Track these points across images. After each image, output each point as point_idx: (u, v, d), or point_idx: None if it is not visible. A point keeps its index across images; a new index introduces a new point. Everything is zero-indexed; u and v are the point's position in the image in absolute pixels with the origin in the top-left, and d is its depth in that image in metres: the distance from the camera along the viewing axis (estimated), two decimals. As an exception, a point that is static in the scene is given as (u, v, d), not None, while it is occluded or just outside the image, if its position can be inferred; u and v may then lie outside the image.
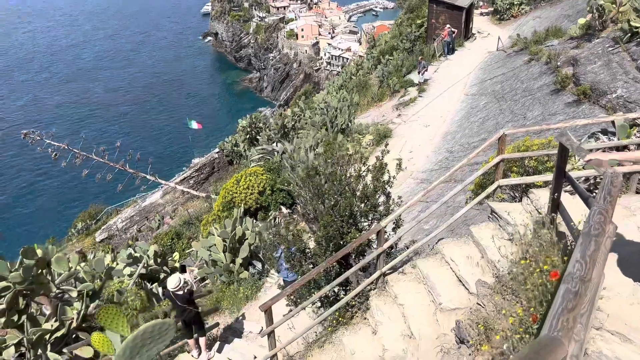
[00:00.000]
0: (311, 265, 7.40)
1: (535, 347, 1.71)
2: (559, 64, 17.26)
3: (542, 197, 6.87)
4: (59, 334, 8.38)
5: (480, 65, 24.23)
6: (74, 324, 8.63)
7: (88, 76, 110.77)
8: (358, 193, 7.53)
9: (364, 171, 7.85)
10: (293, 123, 23.88)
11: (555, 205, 5.40)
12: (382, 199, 8.27)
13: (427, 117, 20.19)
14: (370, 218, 8.18)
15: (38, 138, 21.47)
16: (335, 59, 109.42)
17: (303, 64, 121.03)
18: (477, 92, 20.74)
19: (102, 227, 28.53)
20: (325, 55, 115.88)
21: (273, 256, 8.93)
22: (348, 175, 7.83)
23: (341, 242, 7.56)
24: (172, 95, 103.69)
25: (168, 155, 71.21)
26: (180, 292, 7.48)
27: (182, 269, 8.32)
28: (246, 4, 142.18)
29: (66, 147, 21.67)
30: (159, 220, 27.13)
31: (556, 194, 5.24)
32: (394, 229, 8.32)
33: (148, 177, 24.49)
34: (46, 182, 66.29)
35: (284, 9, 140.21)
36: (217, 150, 30.61)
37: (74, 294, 8.86)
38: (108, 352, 2.84)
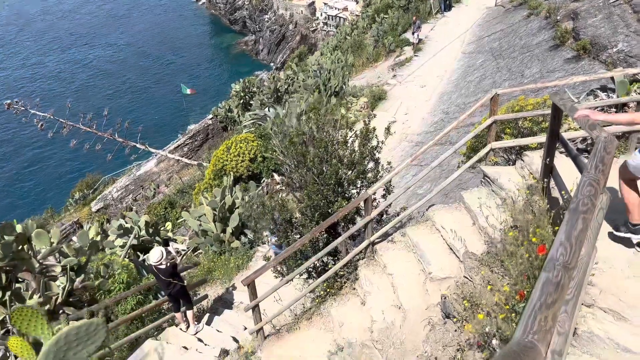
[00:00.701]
0: (298, 236, 7.15)
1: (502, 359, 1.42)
2: (558, 18, 16.58)
3: (536, 160, 6.53)
4: (44, 309, 8.23)
5: (478, 22, 23.43)
6: (60, 300, 8.47)
7: (75, 42, 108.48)
8: (345, 160, 7.19)
9: (350, 137, 7.49)
10: (286, 87, 23.30)
11: (548, 170, 5.08)
12: (370, 165, 7.96)
13: (423, 77, 19.62)
14: (359, 185, 7.89)
15: (22, 108, 20.91)
16: (332, 19, 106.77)
17: (299, 25, 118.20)
18: (474, 50, 20.08)
19: (98, 197, 28.35)
20: (321, 15, 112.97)
21: (262, 227, 8.66)
22: (335, 141, 7.47)
23: (329, 212, 7.28)
24: (165, 61, 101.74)
25: (162, 122, 70.38)
26: (163, 266, 7.26)
27: (165, 243, 8.08)
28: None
29: (52, 116, 21.16)
30: (154, 189, 26.91)
31: (548, 158, 4.91)
32: (384, 196, 8.04)
33: (138, 145, 24.07)
34: (41, 152, 65.78)
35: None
36: (210, 116, 30.09)
37: (58, 269, 8.66)
38: (29, 358, 2.54)
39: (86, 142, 23.18)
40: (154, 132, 67.18)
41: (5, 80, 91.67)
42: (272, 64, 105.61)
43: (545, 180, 4.97)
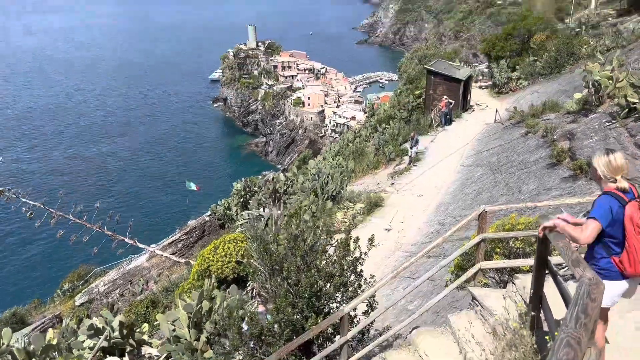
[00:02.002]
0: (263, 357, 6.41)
1: None
2: (555, 137, 16.78)
3: (528, 284, 5.99)
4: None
5: (478, 137, 23.91)
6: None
7: (85, 138, 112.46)
8: (322, 272, 6.66)
9: (330, 245, 7.02)
10: (285, 188, 23.25)
11: (538, 300, 4.53)
12: (353, 277, 7.40)
13: (421, 187, 19.54)
14: (339, 299, 7.28)
15: (14, 196, 20.88)
16: (340, 127, 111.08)
17: (308, 130, 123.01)
18: (473, 163, 20.21)
19: (84, 290, 27.31)
20: (330, 122, 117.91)
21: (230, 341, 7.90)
22: (314, 249, 7.00)
23: (303, 328, 6.61)
24: (175, 157, 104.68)
25: (164, 216, 70.57)
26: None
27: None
28: (256, 72, 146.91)
29: (42, 206, 21.02)
30: (142, 284, 25.96)
31: (536, 287, 4.39)
32: (366, 312, 7.38)
33: (126, 240, 23.57)
34: (38, 239, 65.20)
35: (292, 77, 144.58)
36: (208, 213, 29.90)
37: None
38: None
39: (73, 234, 22.77)
40: (152, 225, 67.14)
41: (5, 167, 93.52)
42: (279, 165, 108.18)
43: (534, 313, 4.40)
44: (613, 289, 3.77)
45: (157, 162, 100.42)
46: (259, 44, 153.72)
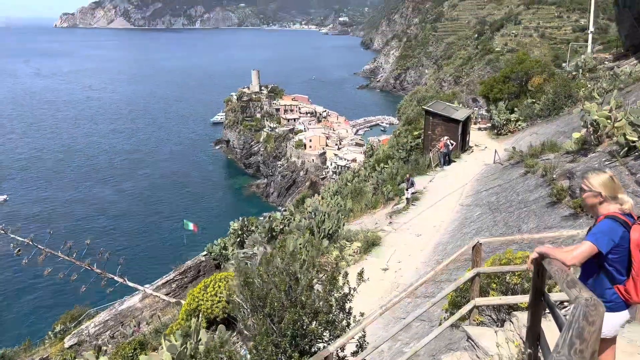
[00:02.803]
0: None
1: None
2: (554, 176, 16.54)
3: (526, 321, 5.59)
4: None
5: (477, 177, 23.70)
6: None
7: (91, 177, 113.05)
8: (306, 308, 6.25)
9: (317, 281, 6.64)
10: (282, 227, 22.88)
11: (535, 337, 4.14)
12: (341, 315, 6.97)
13: (419, 226, 19.17)
14: (326, 339, 6.82)
15: (2, 232, 20.49)
16: (341, 169, 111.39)
17: (310, 172, 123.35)
18: (472, 202, 19.90)
19: (73, 332, 26.46)
20: (331, 164, 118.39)
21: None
22: (299, 285, 6.61)
23: (286, 369, 6.14)
24: (178, 197, 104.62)
25: (160, 256, 69.65)
26: None
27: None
28: (258, 115, 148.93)
29: (30, 242, 20.62)
30: (133, 326, 25.14)
31: (533, 323, 4.01)
32: (354, 353, 6.91)
33: (116, 278, 22.98)
34: (30, 277, 64.04)
35: (294, 120, 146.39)
36: (204, 252, 29.35)
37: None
38: None
39: (61, 271, 22.23)
40: (148, 265, 66.24)
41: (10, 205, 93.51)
42: (280, 207, 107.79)
43: (531, 350, 4.00)
44: (616, 319, 3.42)
45: (157, 203, 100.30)
46: (262, 88, 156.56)
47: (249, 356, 6.08)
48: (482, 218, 17.15)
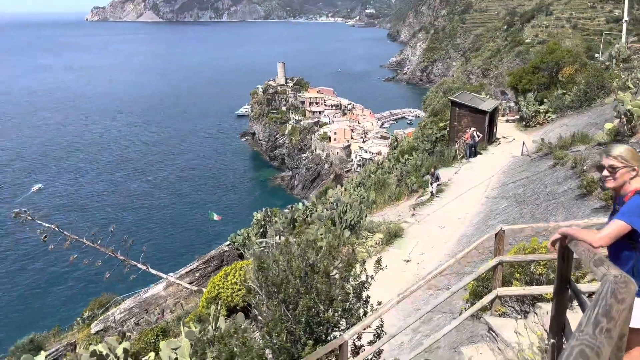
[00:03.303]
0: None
1: None
2: (584, 168, 15.98)
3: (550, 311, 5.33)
4: None
5: (504, 169, 23.14)
6: None
7: (118, 168, 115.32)
8: (322, 295, 6.11)
9: (334, 270, 6.48)
10: (304, 217, 22.81)
11: (560, 327, 3.89)
12: (357, 303, 6.81)
13: (443, 218, 18.81)
14: (343, 328, 6.68)
15: (29, 218, 20.95)
16: (366, 162, 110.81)
17: (334, 164, 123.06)
18: (498, 195, 19.42)
19: (100, 318, 27.03)
20: (356, 157, 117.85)
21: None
22: (316, 270, 6.47)
23: (300, 357, 6.03)
24: (204, 188, 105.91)
25: (186, 245, 70.64)
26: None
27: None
28: (284, 108, 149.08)
29: (56, 228, 21.03)
30: (157, 314, 25.53)
31: (558, 312, 3.77)
32: (371, 342, 6.75)
33: (139, 265, 23.27)
34: (59, 263, 65.66)
35: (319, 113, 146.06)
36: (227, 242, 29.55)
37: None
38: None
39: (85, 258, 22.64)
40: (173, 254, 67.38)
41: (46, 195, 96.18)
42: (304, 199, 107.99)
43: (554, 340, 3.77)
44: None
45: (184, 193, 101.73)
46: (288, 81, 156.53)
47: (261, 342, 5.98)
48: (508, 210, 16.71)
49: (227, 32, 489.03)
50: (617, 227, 3.06)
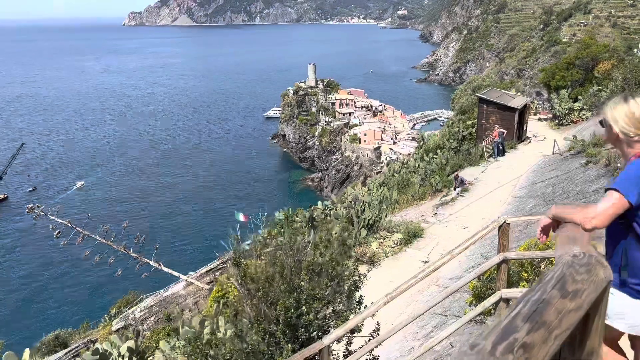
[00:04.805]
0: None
1: None
2: (619, 165, 14.87)
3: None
4: None
5: (533, 168, 22.01)
6: None
7: (151, 167, 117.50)
8: (304, 294, 5.51)
9: (321, 262, 5.88)
10: (323, 216, 22.23)
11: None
12: (351, 303, 6.18)
13: (466, 219, 17.91)
14: (329, 328, 6.07)
15: (42, 213, 21.11)
16: (392, 162, 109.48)
17: (364, 166, 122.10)
18: (525, 194, 18.39)
19: (121, 315, 27.14)
20: (386, 159, 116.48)
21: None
22: (300, 267, 5.89)
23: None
24: (232, 189, 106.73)
25: (209, 244, 71.08)
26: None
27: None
28: (314, 109, 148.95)
29: (69, 224, 21.10)
30: (177, 313, 25.39)
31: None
32: (364, 346, 6.11)
33: (151, 263, 23.14)
34: (87, 266, 67.06)
35: (349, 115, 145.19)
36: (248, 242, 29.26)
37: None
38: None
39: (97, 254, 22.67)
40: (196, 252, 67.91)
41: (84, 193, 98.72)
42: (325, 199, 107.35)
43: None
44: None
45: (215, 194, 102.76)
46: (318, 82, 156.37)
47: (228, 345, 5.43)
48: (534, 210, 15.72)
49: (259, 34, 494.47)
50: (613, 200, 2.37)
